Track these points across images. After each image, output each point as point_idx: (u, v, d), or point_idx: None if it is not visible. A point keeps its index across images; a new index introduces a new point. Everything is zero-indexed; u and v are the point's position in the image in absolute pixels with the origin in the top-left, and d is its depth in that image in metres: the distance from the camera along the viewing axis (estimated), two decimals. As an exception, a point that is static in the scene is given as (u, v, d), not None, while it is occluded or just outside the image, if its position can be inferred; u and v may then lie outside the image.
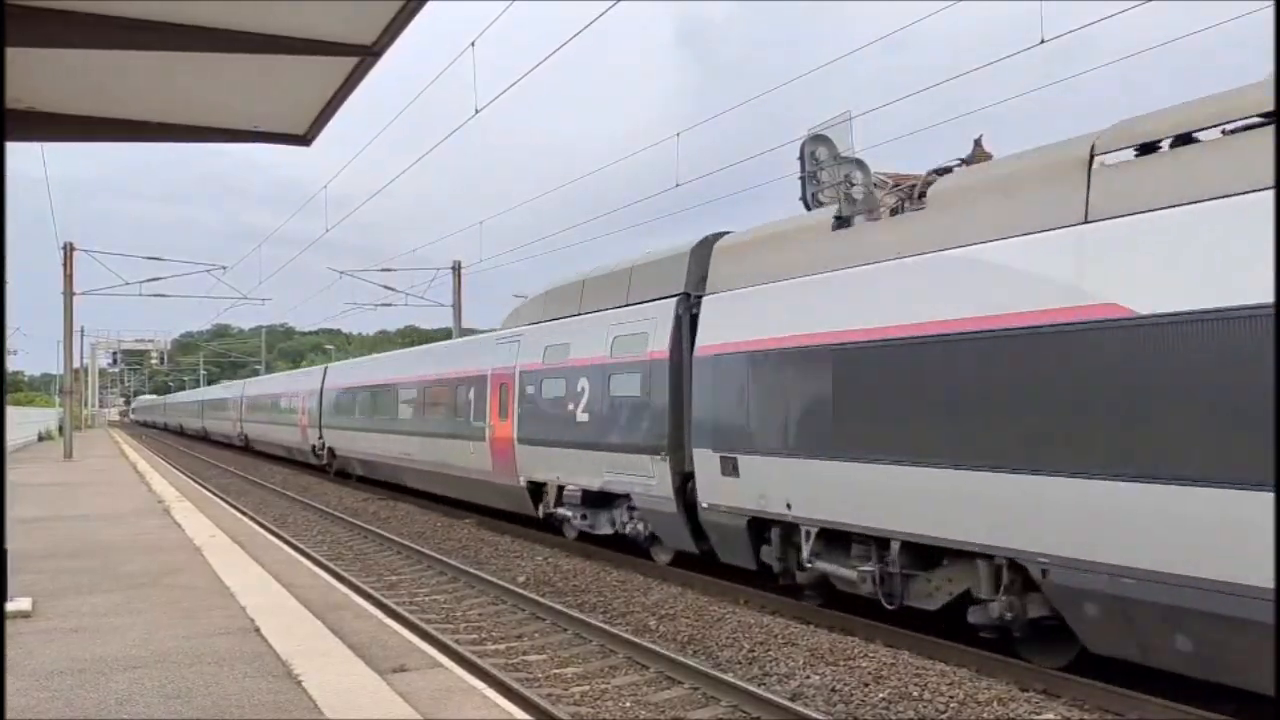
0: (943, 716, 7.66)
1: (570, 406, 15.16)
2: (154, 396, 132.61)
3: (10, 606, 8.23)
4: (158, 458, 40.07)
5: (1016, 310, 8.20)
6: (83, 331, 71.81)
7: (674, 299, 13.17)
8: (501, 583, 13.17)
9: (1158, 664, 7.51)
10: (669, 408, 12.94)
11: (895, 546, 9.47)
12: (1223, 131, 7.22)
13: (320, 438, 32.61)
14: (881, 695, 8.11)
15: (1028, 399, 8.07)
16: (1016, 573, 8.37)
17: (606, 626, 10.58)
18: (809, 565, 10.62)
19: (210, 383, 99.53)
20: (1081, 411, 7.64)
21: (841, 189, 14.57)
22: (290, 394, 37.95)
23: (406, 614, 11.20)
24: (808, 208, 15.58)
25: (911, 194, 9.95)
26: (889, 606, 9.71)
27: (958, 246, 8.90)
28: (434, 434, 21.54)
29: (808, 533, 10.61)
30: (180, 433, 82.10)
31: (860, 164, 15.91)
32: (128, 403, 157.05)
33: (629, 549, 14.65)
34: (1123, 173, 7.71)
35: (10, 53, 6.10)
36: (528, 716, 6.31)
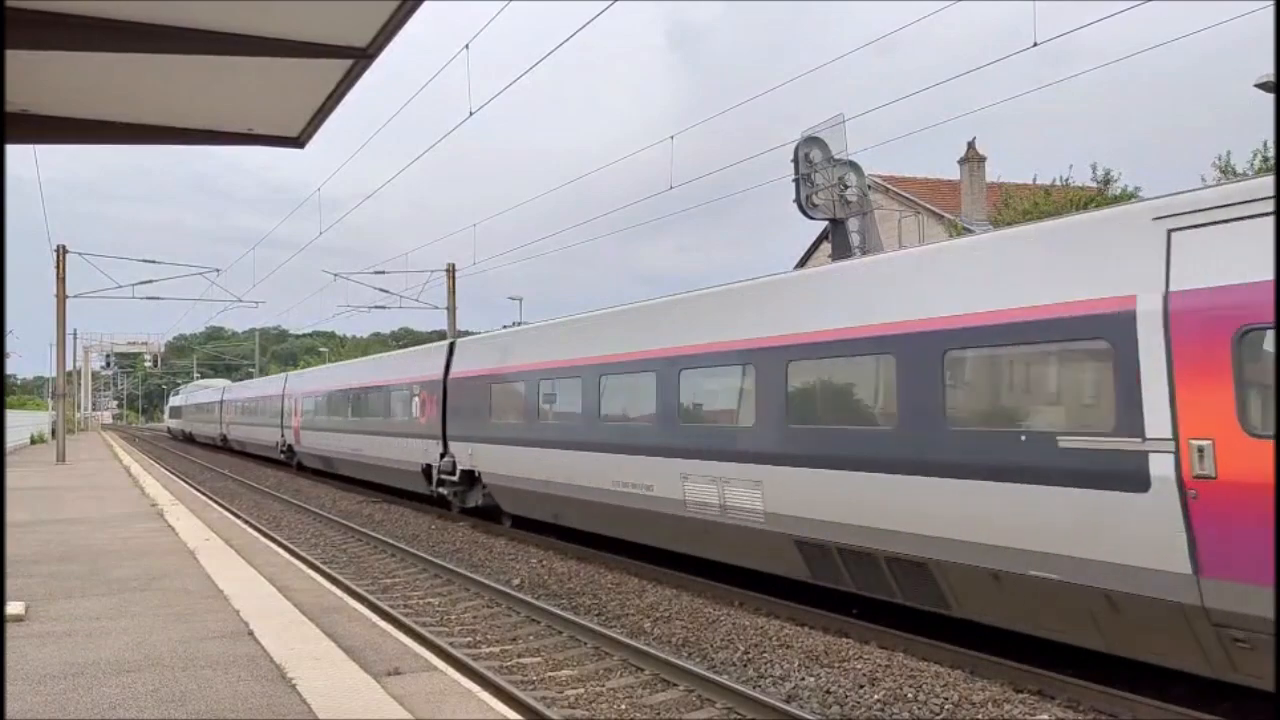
0: (937, 718, 7.67)
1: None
2: (222, 382, 69.02)
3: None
4: (151, 461, 39.97)
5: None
6: (75, 334, 71.70)
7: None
8: (496, 585, 13.16)
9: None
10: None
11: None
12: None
13: None
14: (876, 697, 8.12)
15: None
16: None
17: (601, 629, 10.57)
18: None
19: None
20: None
21: (835, 191, 14.58)
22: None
23: (401, 617, 11.19)
24: (802, 209, 15.59)
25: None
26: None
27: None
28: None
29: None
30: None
31: (854, 166, 15.90)
32: (121, 405, 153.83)
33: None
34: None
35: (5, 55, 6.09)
36: (522, 719, 6.31)
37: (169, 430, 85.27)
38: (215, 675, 6.61)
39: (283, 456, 38.14)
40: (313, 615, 8.70)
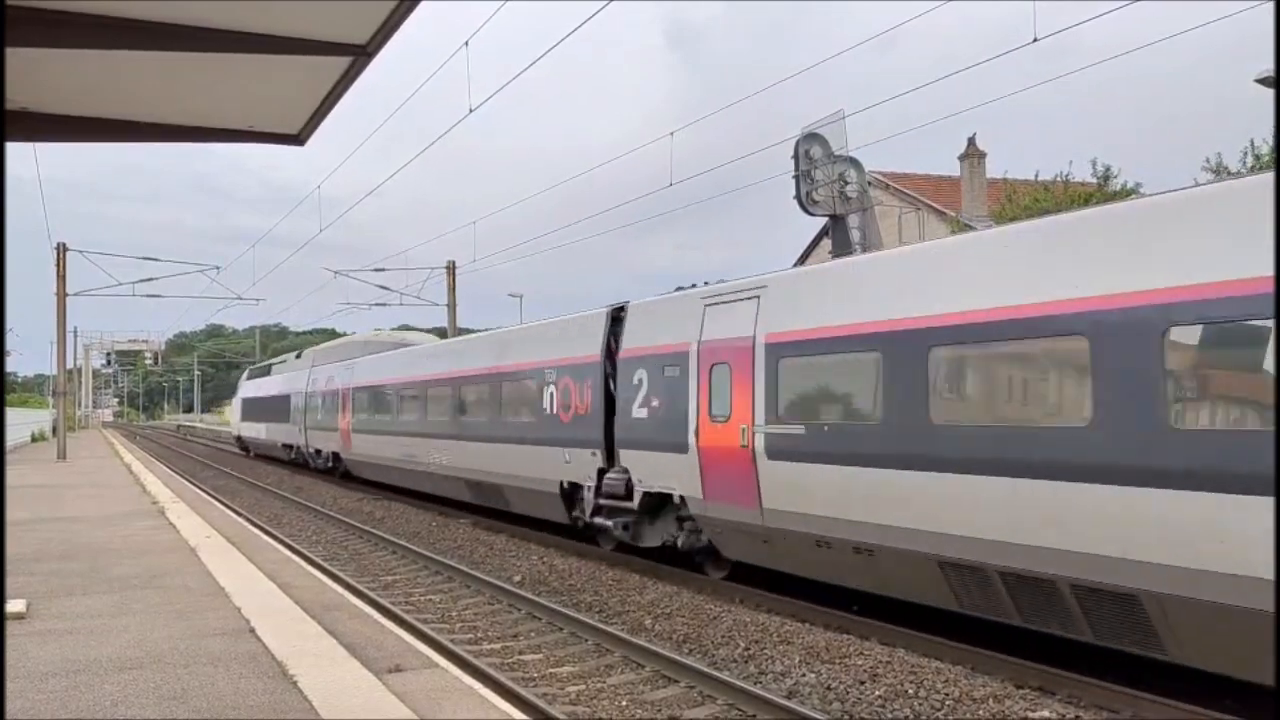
0: (938, 714, 7.68)
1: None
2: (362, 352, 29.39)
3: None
4: (152, 458, 40.00)
5: None
6: (76, 332, 71.74)
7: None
8: (497, 582, 13.17)
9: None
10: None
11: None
12: None
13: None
14: (877, 693, 8.13)
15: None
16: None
17: (602, 625, 10.58)
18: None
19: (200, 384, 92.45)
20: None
21: (835, 187, 14.57)
22: None
23: (402, 614, 11.20)
24: (803, 206, 15.58)
25: None
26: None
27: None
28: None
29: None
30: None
31: (854, 162, 15.88)
32: (122, 403, 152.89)
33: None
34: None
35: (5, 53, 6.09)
36: (524, 716, 6.31)
37: (240, 440, 47.56)
38: (216, 672, 6.62)
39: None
40: (314, 612, 8.71)
